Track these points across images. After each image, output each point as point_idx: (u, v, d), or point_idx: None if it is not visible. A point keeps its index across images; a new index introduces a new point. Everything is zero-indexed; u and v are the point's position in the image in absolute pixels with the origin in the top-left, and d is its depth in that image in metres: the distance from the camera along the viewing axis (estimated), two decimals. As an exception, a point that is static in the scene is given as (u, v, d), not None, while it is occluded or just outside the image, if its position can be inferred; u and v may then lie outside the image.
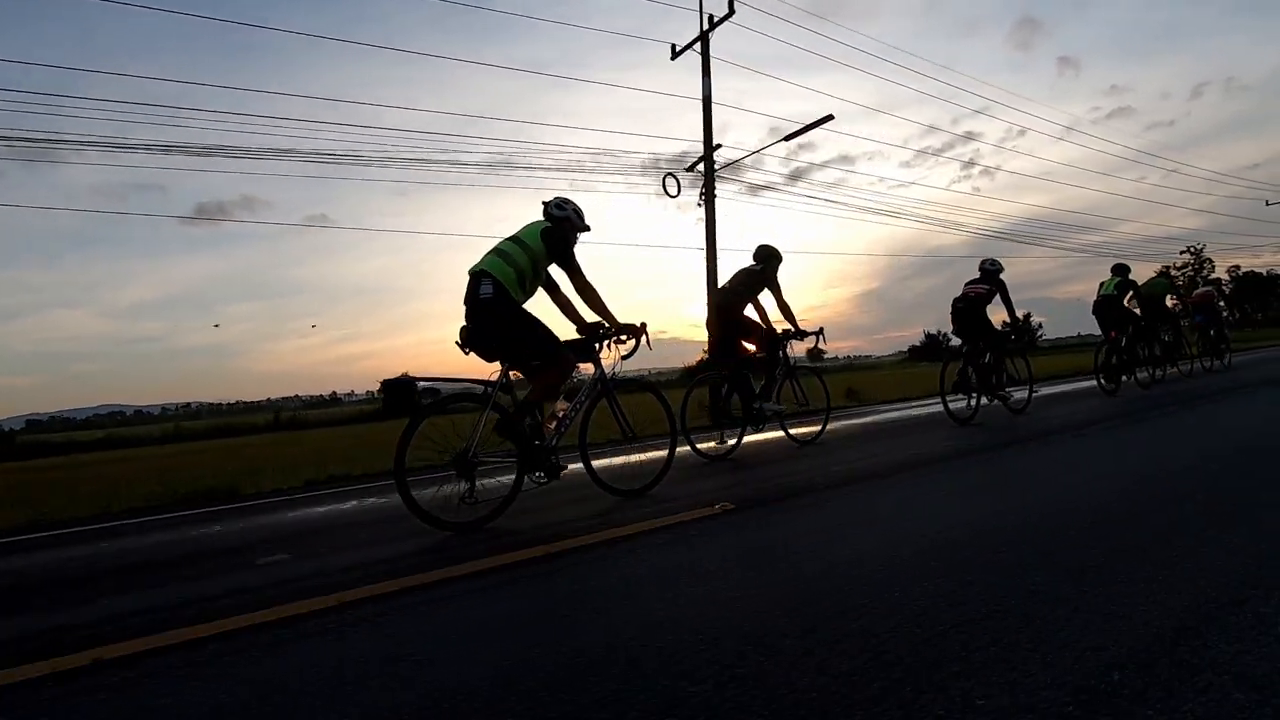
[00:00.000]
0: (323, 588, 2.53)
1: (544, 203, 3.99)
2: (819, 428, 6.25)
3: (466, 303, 3.64)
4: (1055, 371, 15.24)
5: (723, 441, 5.58)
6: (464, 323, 3.67)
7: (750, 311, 5.86)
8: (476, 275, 3.63)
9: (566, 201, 4.00)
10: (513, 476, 3.64)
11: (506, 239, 3.82)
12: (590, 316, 3.99)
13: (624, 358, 4.04)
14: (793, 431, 6.11)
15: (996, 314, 7.28)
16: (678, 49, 13.64)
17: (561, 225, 3.91)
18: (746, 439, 5.86)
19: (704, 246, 12.39)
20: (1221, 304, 12.32)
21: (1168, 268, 68.08)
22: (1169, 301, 10.60)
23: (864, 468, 4.37)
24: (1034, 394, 7.62)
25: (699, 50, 13.05)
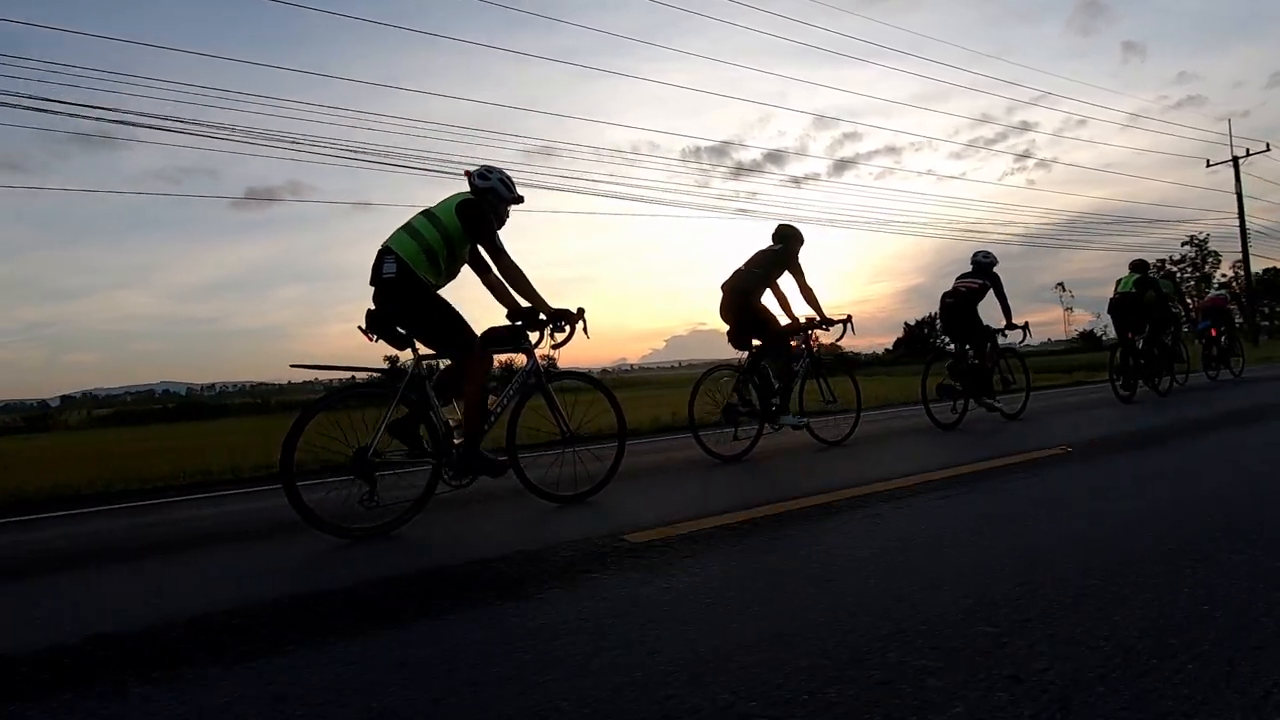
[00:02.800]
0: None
1: (467, 172, 3.55)
2: (848, 429, 5.58)
3: (371, 282, 3.24)
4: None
5: (736, 438, 5.00)
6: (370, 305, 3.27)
7: (769, 300, 5.27)
8: (381, 253, 3.23)
9: (491, 170, 3.54)
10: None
11: (419, 213, 3.39)
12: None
13: (555, 347, 3.59)
14: (817, 428, 5.48)
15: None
16: (1211, 162, 25.63)
17: (485, 197, 3.48)
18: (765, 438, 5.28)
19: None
20: (1234, 308, 10.98)
21: (1163, 261, 62.70)
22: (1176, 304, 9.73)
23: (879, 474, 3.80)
24: (1030, 399, 7.00)
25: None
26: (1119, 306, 8.13)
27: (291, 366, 3.28)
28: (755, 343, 5.20)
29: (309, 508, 2.96)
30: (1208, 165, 25.08)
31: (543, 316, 3.50)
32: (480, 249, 3.47)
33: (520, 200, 3.61)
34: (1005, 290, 6.58)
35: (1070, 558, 2.14)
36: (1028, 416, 6.62)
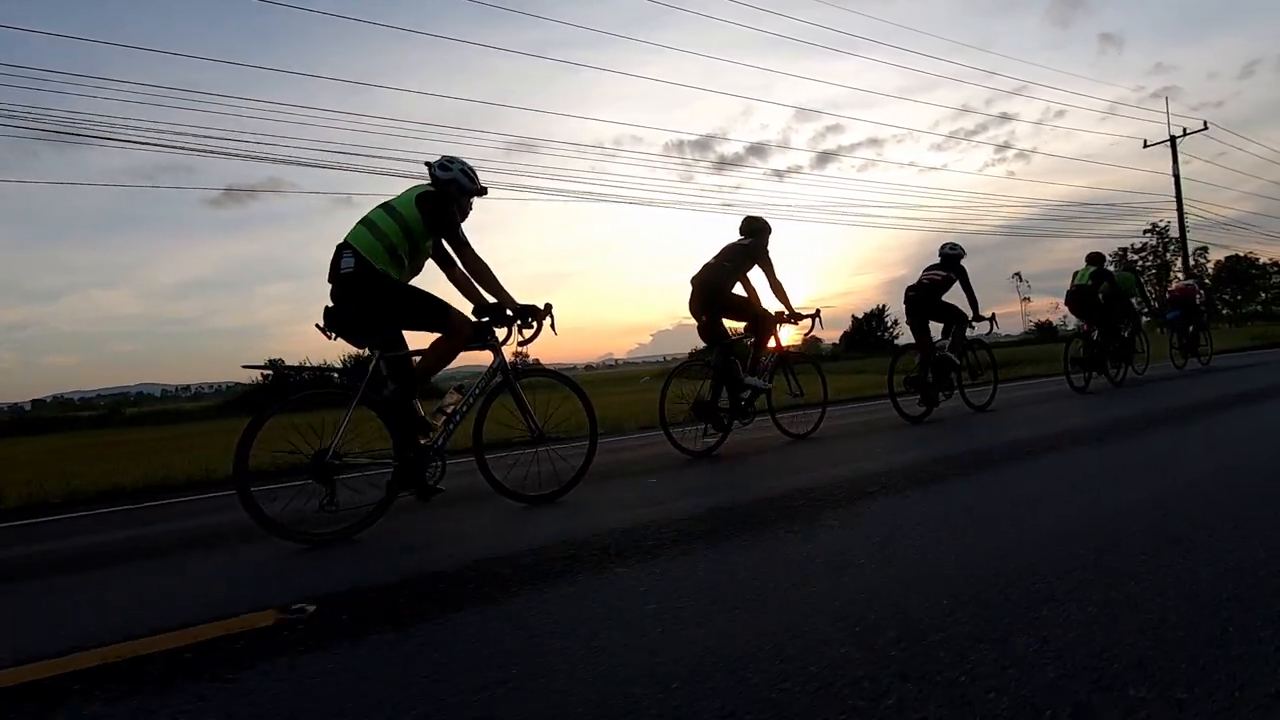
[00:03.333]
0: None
1: (427, 163, 3.43)
2: (814, 424, 5.63)
3: (330, 279, 3.12)
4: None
5: (707, 434, 4.94)
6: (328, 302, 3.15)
7: (739, 291, 5.21)
8: (339, 249, 3.11)
9: (453, 160, 3.43)
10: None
11: (378, 206, 3.27)
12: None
13: (523, 343, 3.48)
14: (784, 423, 5.54)
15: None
16: (1148, 143, 24.77)
17: (446, 189, 3.37)
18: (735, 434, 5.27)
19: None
20: (1201, 296, 10.98)
21: (1124, 250, 63.10)
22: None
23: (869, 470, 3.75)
24: (998, 389, 7.00)
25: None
26: (1076, 298, 8.23)
27: (243, 367, 3.15)
28: (738, 328, 5.25)
29: (265, 513, 2.84)
30: (1144, 146, 24.07)
31: (509, 312, 3.40)
32: (444, 242, 3.36)
33: (483, 192, 3.50)
34: (972, 282, 6.56)
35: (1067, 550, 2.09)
36: (995, 407, 6.68)
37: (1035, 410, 6.53)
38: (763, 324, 5.20)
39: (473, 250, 3.30)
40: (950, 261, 6.53)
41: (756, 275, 5.28)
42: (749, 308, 5.19)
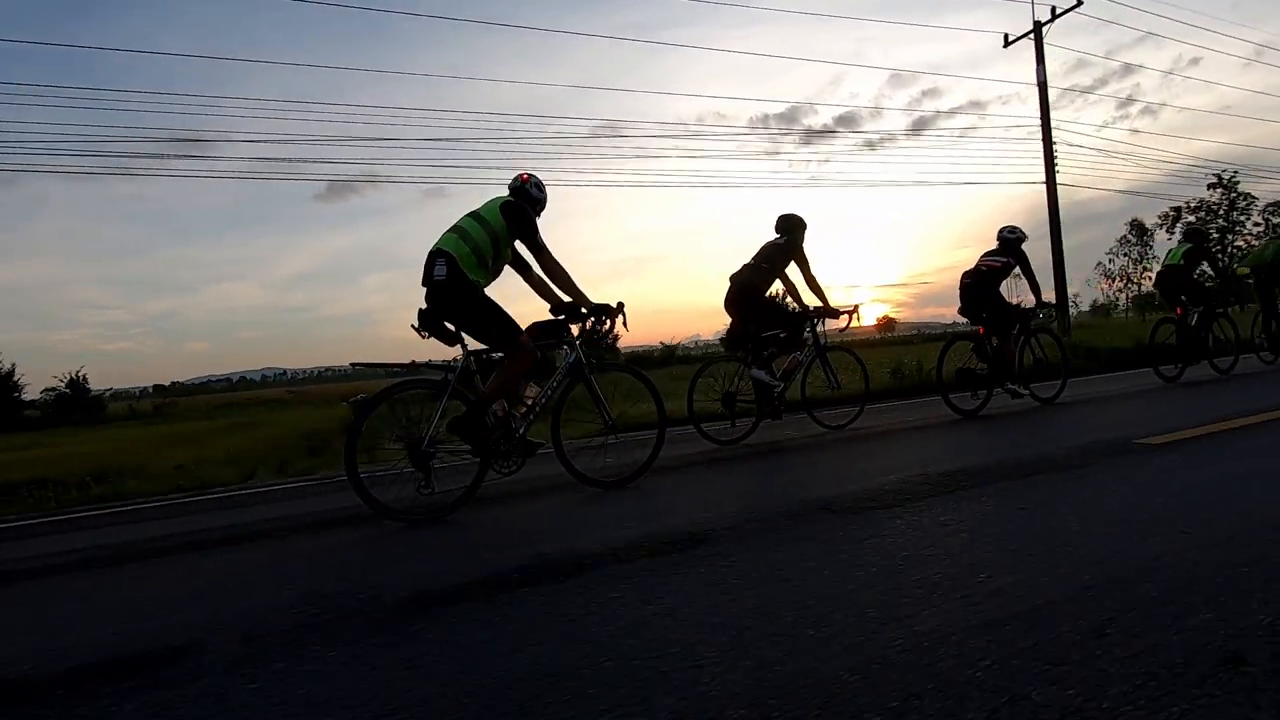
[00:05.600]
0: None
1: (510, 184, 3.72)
2: (851, 416, 5.53)
3: (424, 283, 3.45)
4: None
5: (734, 426, 5.09)
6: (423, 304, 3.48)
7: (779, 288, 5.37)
8: (432, 255, 3.42)
9: (528, 177, 3.72)
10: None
11: (466, 215, 3.57)
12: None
13: (599, 339, 3.72)
14: (821, 417, 5.50)
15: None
16: (1010, 38, 16.52)
17: (521, 198, 3.62)
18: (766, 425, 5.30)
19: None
20: None
21: (1179, 209, 53.80)
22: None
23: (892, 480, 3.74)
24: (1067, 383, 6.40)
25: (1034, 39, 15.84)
26: (1165, 280, 7.44)
27: (352, 366, 3.54)
28: (771, 331, 5.25)
29: (374, 496, 3.23)
30: (1005, 44, 16.88)
31: (584, 310, 3.63)
32: (522, 247, 3.62)
33: (543, 202, 3.78)
34: (1032, 267, 6.16)
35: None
36: (1064, 401, 6.15)
37: (1119, 405, 5.88)
38: (794, 325, 5.24)
39: (550, 254, 3.55)
40: (1010, 246, 6.16)
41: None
42: (781, 315, 5.26)
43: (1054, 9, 15.86)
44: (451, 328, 3.44)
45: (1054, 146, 16.28)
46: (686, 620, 1.81)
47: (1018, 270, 6.13)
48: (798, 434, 5.30)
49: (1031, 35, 16.37)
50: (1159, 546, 2.09)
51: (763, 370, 5.06)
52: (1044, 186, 16.15)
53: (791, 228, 5.34)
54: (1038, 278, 6.25)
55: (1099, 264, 63.49)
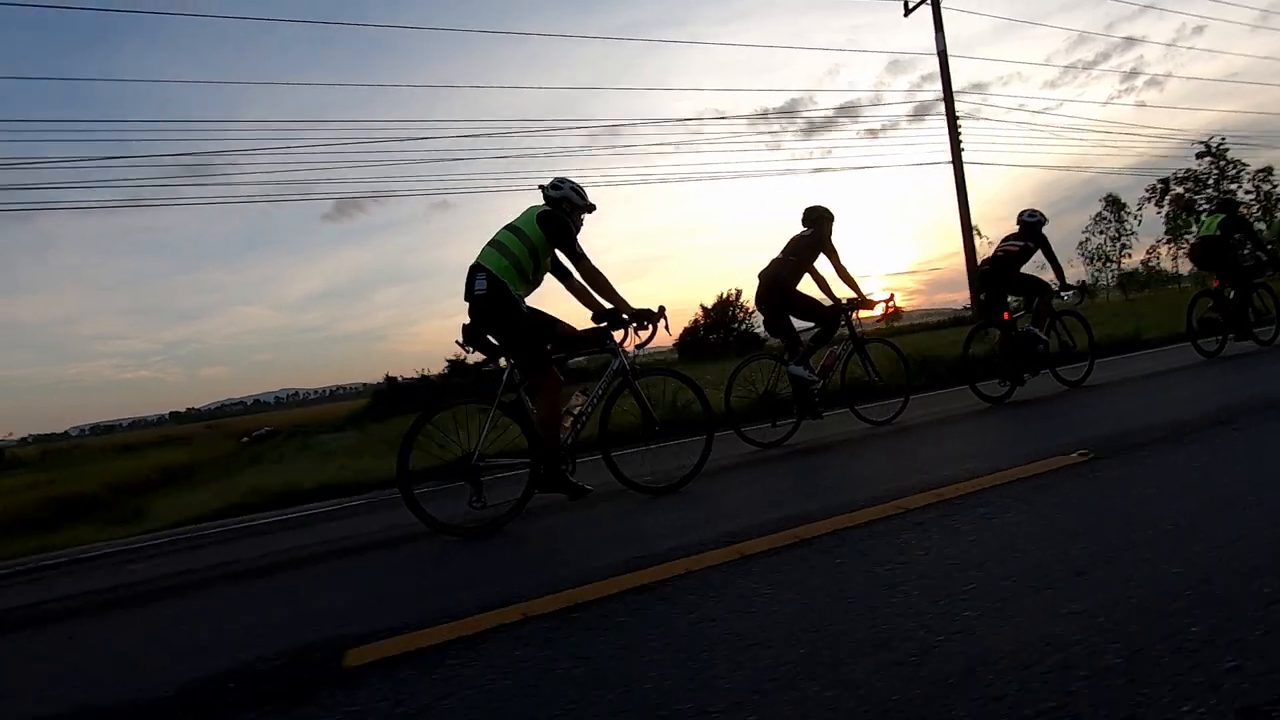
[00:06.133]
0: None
1: (540, 186, 3.68)
2: (897, 409, 5.42)
3: (466, 298, 3.43)
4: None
5: (775, 426, 5.01)
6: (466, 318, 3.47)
7: (809, 284, 5.23)
8: (472, 270, 3.41)
9: (563, 181, 3.66)
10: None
11: (504, 228, 3.55)
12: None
13: (640, 346, 3.68)
14: (863, 411, 5.38)
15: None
16: (910, 5, 15.60)
17: (560, 206, 3.60)
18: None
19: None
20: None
21: (1166, 181, 52.00)
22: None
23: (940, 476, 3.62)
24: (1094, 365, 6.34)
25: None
26: (1202, 251, 7.26)
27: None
28: (803, 324, 5.19)
29: (427, 512, 3.21)
30: (906, 13, 15.88)
31: (625, 317, 3.60)
32: (562, 256, 3.60)
33: (593, 208, 3.71)
34: (1053, 249, 6.11)
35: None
36: (1094, 384, 6.04)
37: (1159, 384, 5.74)
38: (829, 318, 5.15)
39: (589, 261, 3.51)
40: (1031, 230, 6.12)
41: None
42: (814, 307, 5.17)
43: None
44: (495, 341, 3.42)
45: (958, 121, 15.30)
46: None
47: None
48: (842, 431, 5.21)
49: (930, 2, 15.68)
50: None
51: (801, 366, 4.99)
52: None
53: (818, 219, 5.28)
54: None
55: (1079, 244, 59.75)
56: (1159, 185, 53.81)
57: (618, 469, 3.64)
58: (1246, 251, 7.55)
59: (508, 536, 3.18)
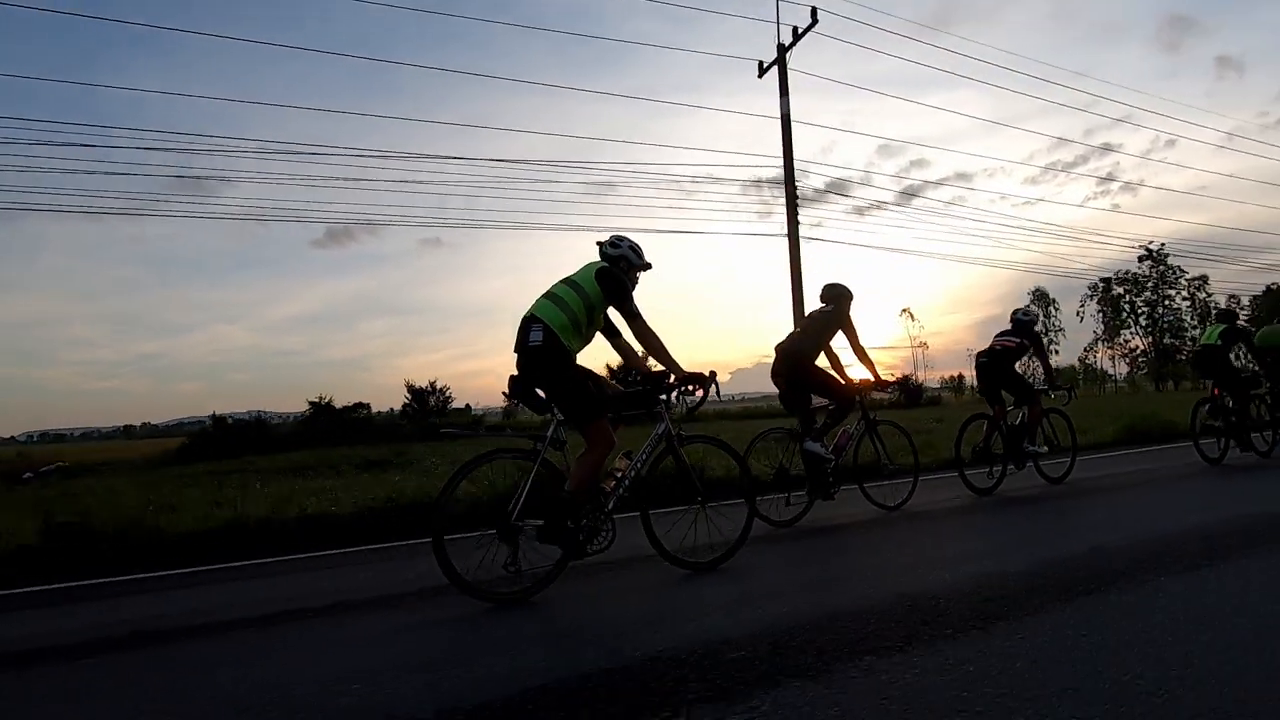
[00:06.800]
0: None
1: (598, 242, 3.63)
2: (906, 494, 5.32)
3: (516, 349, 3.32)
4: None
5: (789, 504, 4.88)
6: (514, 370, 3.35)
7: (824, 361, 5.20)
8: (527, 320, 3.31)
9: (621, 239, 3.62)
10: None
11: (560, 281, 3.47)
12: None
13: (691, 409, 3.57)
14: (873, 493, 5.27)
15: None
16: (764, 66, 13.37)
17: (617, 264, 3.54)
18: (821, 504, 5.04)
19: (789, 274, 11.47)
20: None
21: (1108, 280, 54.42)
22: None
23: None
24: (1076, 461, 6.44)
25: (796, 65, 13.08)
26: (1202, 359, 7.47)
27: (442, 431, 3.37)
28: (819, 401, 5.13)
29: (457, 571, 3.00)
30: (760, 74, 13.84)
31: (675, 379, 3.50)
32: (615, 314, 3.52)
33: (649, 267, 3.66)
34: (1045, 348, 6.37)
35: None
36: (1075, 483, 6.12)
37: (1151, 492, 5.73)
38: (844, 396, 5.10)
39: (644, 321, 3.44)
40: (1023, 328, 6.37)
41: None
42: (831, 385, 5.11)
43: (795, 29, 13.29)
44: (542, 395, 3.30)
45: (796, 186, 13.37)
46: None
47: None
48: (853, 513, 5.11)
49: (801, 55, 14.73)
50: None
51: (816, 443, 4.90)
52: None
53: (838, 297, 5.30)
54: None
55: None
56: (1100, 284, 55.86)
57: (654, 535, 3.47)
58: (1243, 363, 7.78)
59: (533, 605, 3.03)
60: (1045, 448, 6.21)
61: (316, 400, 28.80)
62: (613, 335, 3.64)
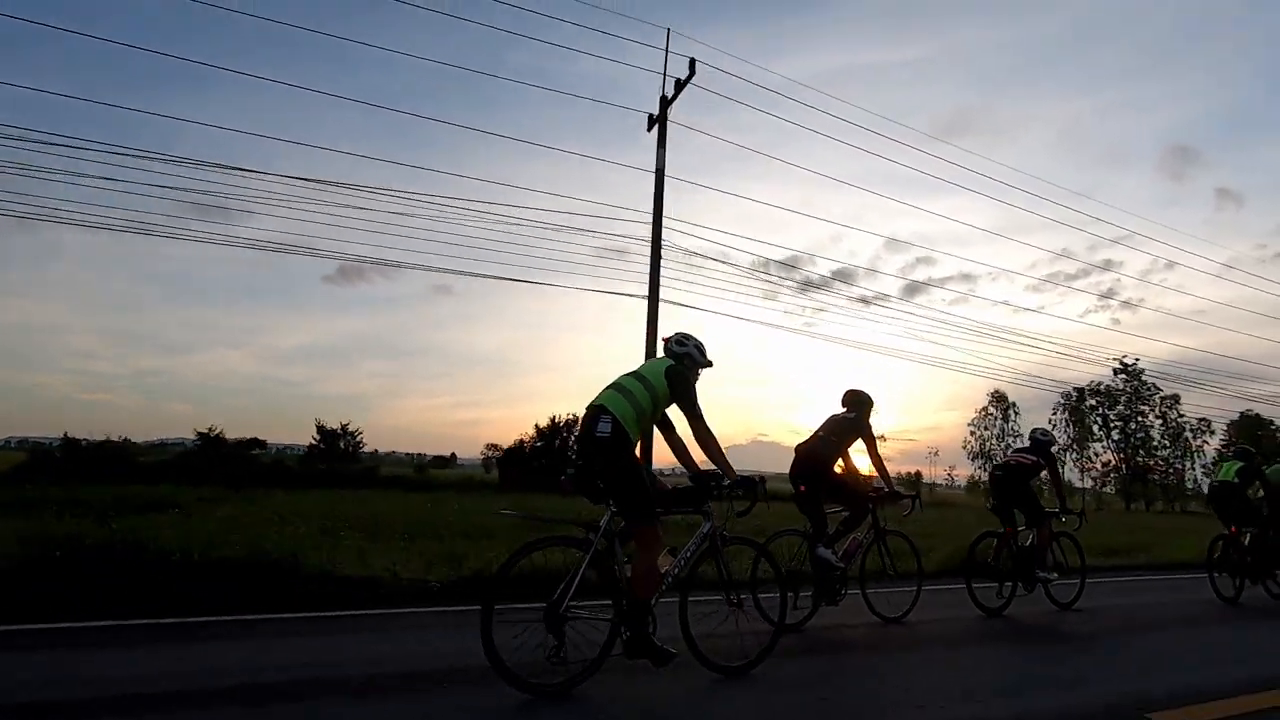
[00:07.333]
0: None
1: (664, 339, 3.79)
2: (908, 605, 5.35)
3: (580, 439, 3.42)
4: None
5: (796, 606, 4.83)
6: (575, 460, 3.44)
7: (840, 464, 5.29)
8: (595, 410, 3.41)
9: (688, 337, 3.76)
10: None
11: (628, 374, 3.60)
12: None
13: (739, 515, 3.65)
14: (875, 602, 5.29)
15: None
16: (654, 117, 12.62)
17: (682, 362, 3.68)
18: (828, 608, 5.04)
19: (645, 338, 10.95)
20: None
21: (1081, 390, 53.45)
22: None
23: None
24: (1085, 586, 6.42)
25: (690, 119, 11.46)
26: (1218, 495, 7.54)
27: (501, 512, 3.42)
28: (833, 507, 5.19)
29: (500, 658, 3.00)
30: (649, 127, 13.07)
31: (727, 484, 3.59)
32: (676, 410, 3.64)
33: (710, 365, 3.80)
34: (1059, 469, 6.46)
35: None
36: (1084, 609, 6.16)
37: (1180, 630, 5.73)
38: (859, 504, 5.19)
39: (705, 422, 3.56)
40: (1041, 447, 6.45)
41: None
42: (846, 489, 5.21)
43: (678, 80, 12.80)
44: (602, 486, 3.38)
45: (661, 243, 12.51)
46: None
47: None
48: (857, 622, 5.11)
49: (689, 107, 14.28)
50: None
51: (829, 550, 4.95)
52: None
53: (859, 403, 5.46)
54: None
55: (965, 442, 59.85)
56: (1074, 393, 54.67)
57: (689, 629, 3.48)
58: (1260, 499, 7.71)
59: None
60: (1055, 574, 6.22)
61: (206, 431, 26.93)
62: (667, 429, 3.75)
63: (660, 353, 3.83)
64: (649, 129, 12.89)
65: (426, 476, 31.47)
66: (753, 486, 3.60)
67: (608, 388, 3.53)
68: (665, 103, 12.35)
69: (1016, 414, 58.74)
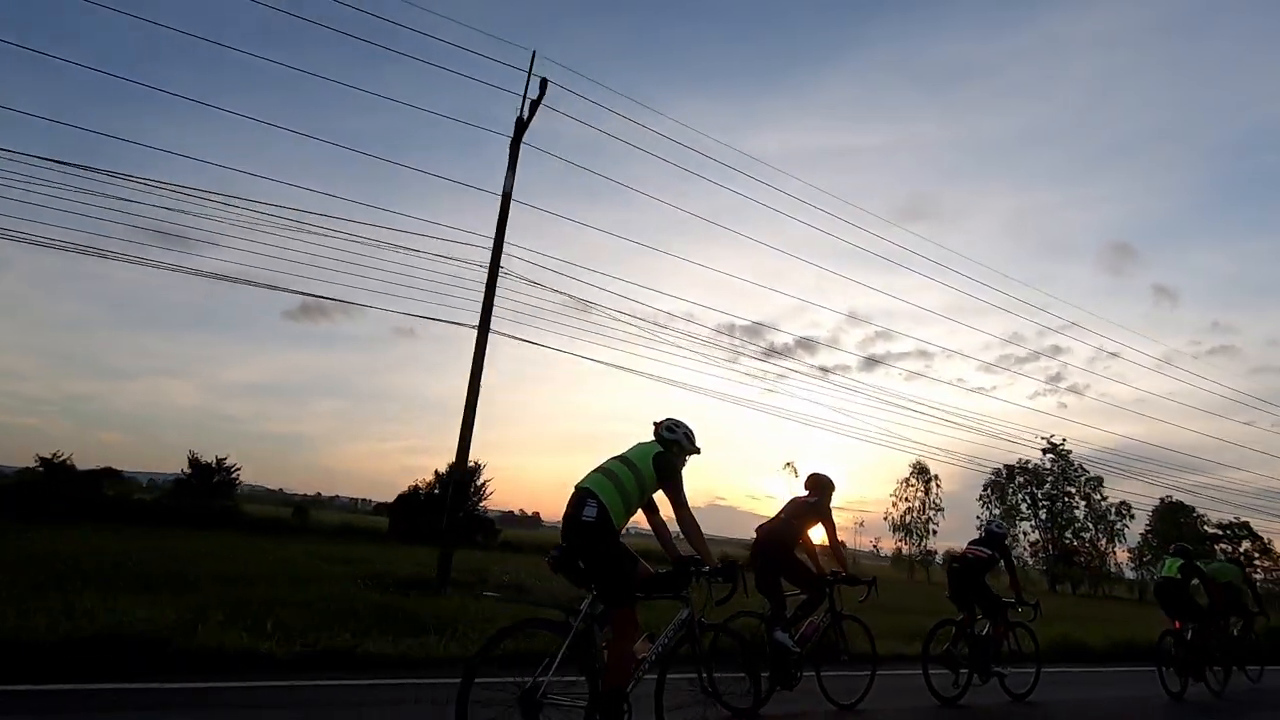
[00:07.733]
0: None
1: (655, 423, 3.87)
2: (862, 690, 5.36)
3: (565, 521, 3.42)
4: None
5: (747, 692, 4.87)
6: (559, 543, 3.44)
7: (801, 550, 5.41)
8: (581, 493, 3.44)
9: (678, 424, 3.85)
10: None
11: (615, 458, 3.65)
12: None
13: (719, 602, 3.67)
14: (829, 687, 5.29)
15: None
16: (524, 119, 11.06)
17: (670, 449, 3.75)
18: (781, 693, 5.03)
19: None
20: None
21: (1011, 468, 53.43)
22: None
23: None
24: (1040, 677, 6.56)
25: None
26: (1163, 591, 7.85)
27: (484, 595, 3.36)
28: (789, 590, 5.21)
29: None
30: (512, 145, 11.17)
31: (707, 569, 3.62)
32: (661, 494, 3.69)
33: (698, 452, 3.88)
34: (1013, 561, 6.65)
35: None
36: (1037, 701, 6.30)
37: None
38: (816, 588, 5.29)
39: (688, 507, 3.62)
40: (995, 539, 6.67)
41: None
42: (805, 574, 5.31)
43: (533, 102, 11.33)
44: (583, 567, 3.38)
45: (499, 270, 11.16)
46: None
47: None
48: (810, 708, 5.11)
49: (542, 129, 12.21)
50: None
51: (785, 634, 4.99)
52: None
53: (821, 487, 5.60)
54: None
55: (887, 515, 58.16)
56: (1004, 470, 54.87)
57: (662, 712, 3.44)
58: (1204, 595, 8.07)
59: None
60: (1009, 670, 6.34)
61: (50, 457, 23.49)
62: (650, 510, 3.79)
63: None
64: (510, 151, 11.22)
65: (304, 520, 28.15)
66: (734, 572, 3.64)
67: (595, 471, 3.57)
68: (521, 126, 11.29)
69: (938, 486, 58.09)
